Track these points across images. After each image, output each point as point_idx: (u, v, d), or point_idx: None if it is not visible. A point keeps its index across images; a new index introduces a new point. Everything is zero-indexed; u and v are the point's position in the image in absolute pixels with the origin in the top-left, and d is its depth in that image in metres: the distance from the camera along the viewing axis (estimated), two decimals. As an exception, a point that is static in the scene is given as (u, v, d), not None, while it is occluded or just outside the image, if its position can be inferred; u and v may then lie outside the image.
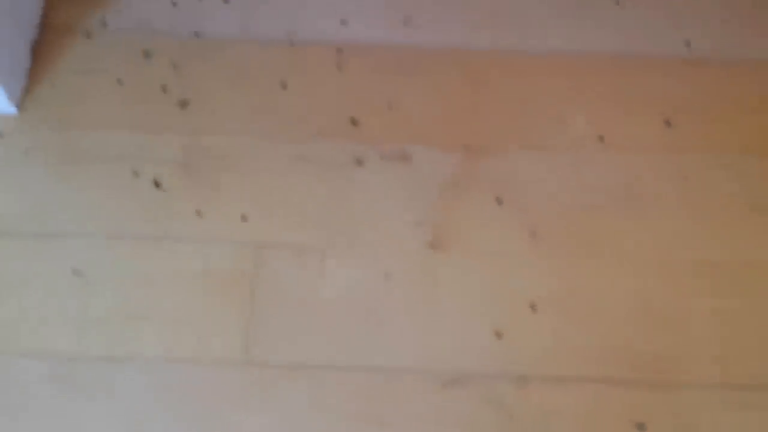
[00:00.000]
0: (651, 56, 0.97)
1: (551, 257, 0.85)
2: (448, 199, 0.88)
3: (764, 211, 0.87)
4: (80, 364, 0.78)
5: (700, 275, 0.84)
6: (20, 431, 0.76)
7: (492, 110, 0.93)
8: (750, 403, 0.78)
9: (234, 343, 0.80)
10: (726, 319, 0.82)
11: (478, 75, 0.95)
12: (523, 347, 0.80)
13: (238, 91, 0.93)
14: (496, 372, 0.79)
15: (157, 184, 0.87)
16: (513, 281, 0.83)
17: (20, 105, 0.90)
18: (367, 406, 0.78)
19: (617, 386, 0.79)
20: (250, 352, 0.79)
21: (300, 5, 0.98)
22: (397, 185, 0.89)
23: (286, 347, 0.80)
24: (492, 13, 0.99)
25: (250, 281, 0.83)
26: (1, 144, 0.88)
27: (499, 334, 0.81)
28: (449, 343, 0.81)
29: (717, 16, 0.99)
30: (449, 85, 0.94)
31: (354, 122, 0.91)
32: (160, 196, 0.86)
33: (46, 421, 0.76)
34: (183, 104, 0.91)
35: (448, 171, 0.90)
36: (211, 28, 0.96)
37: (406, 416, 0.77)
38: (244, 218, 0.86)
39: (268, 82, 0.94)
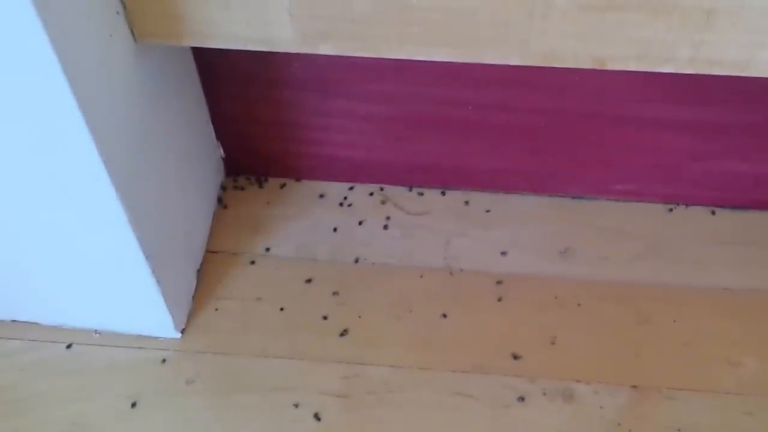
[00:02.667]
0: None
1: None
2: (616, 444, 0.84)
3: None
4: None
5: None
6: None
7: (658, 349, 0.90)
8: None
9: None
10: None
11: (641, 311, 0.93)
12: None
13: (398, 320, 0.92)
14: None
15: (317, 418, 0.85)
16: None
17: (184, 330, 0.90)
18: None
19: None
20: None
21: (459, 234, 0.98)
22: (562, 426, 0.85)
23: None
24: (654, 245, 0.98)
25: None
26: (165, 371, 0.88)
27: None
28: None
29: None
30: (612, 321, 0.92)
31: (515, 357, 0.89)
32: (321, 430, 0.84)
33: None
34: (343, 333, 0.90)
35: (614, 413, 0.86)
36: (371, 254, 0.97)
37: None
38: (405, 457, 0.83)
39: (428, 312, 0.93)
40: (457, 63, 0.73)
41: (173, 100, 0.85)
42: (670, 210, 1.01)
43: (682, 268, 0.96)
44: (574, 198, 1.01)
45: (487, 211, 1.01)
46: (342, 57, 0.87)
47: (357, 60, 0.86)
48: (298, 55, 0.87)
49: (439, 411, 0.86)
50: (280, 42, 0.73)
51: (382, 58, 0.72)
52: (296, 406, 0.86)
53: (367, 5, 0.67)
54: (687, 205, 1.01)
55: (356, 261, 0.96)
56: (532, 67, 0.72)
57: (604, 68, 0.69)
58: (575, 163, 0.99)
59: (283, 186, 1.02)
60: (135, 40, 0.73)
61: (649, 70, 0.69)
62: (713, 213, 1.01)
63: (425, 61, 0.73)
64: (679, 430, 0.85)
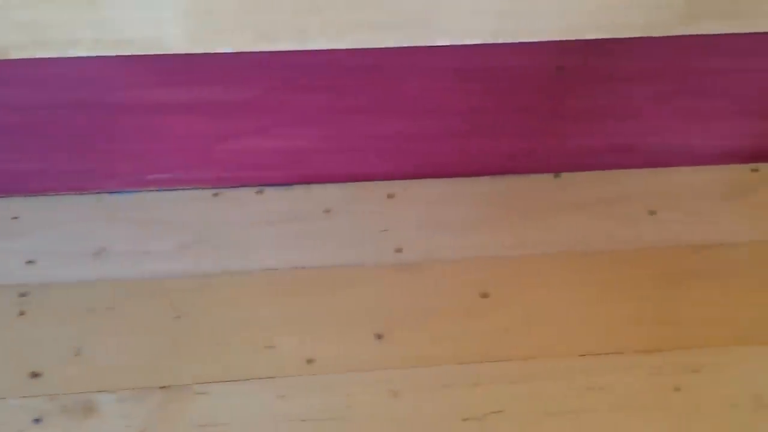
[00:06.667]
0: (362, 266, 0.92)
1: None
2: (141, 452, 0.80)
3: (476, 421, 0.82)
4: None
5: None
6: None
7: (195, 343, 0.86)
8: None
9: None
10: None
11: (179, 304, 0.89)
12: None
13: None
14: None
15: None
16: None
17: None
18: None
19: None
20: None
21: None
22: (84, 442, 0.79)
23: None
24: (199, 234, 0.94)
25: None
26: None
27: None
28: None
29: (427, 221, 0.96)
30: (146, 320, 0.88)
31: (34, 375, 0.83)
32: None
33: None
34: None
35: (141, 419, 0.81)
36: None
37: None
38: None
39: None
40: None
41: None
42: (216, 195, 0.97)
43: (225, 254, 0.93)
44: (111, 193, 0.96)
45: (15, 218, 0.93)
46: None
47: None
48: None
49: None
50: None
51: None
52: None
53: None
54: (233, 187, 0.98)
55: None
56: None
57: (9, 58, 0.63)
58: (107, 157, 0.94)
59: None
60: None
61: (52, 56, 0.63)
62: (260, 192, 0.98)
63: None
64: (209, 425, 0.81)
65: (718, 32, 0.67)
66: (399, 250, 0.94)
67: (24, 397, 0.82)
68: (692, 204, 1.00)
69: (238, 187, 0.98)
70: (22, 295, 0.88)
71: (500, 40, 0.64)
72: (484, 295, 0.91)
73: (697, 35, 0.72)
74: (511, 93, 0.90)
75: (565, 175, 1.01)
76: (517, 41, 0.66)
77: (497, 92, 0.90)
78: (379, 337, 0.87)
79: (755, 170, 1.04)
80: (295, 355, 0.86)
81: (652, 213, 0.98)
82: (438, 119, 0.92)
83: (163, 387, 0.83)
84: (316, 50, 0.77)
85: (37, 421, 0.80)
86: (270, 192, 0.98)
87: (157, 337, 0.87)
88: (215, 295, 0.90)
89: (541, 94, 0.90)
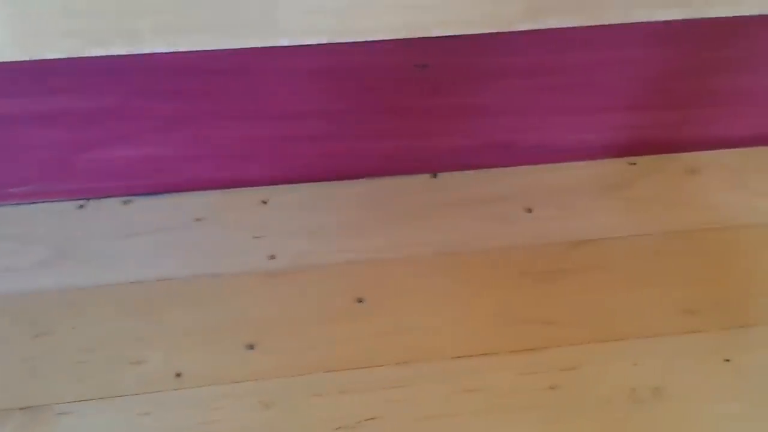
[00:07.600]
0: (235, 275, 0.90)
1: None
2: (-2, 479, 0.76)
3: (349, 429, 0.80)
4: None
5: None
6: None
7: (58, 361, 0.83)
8: None
9: None
10: None
11: (39, 322, 0.85)
12: None
13: None
14: None
15: None
16: None
17: None
18: None
19: None
20: None
21: None
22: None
23: None
24: (62, 248, 0.90)
25: None
26: None
27: None
28: None
29: (302, 227, 0.94)
30: (6, 340, 0.84)
31: None
32: None
33: None
34: None
35: (-1, 443, 0.77)
36: None
37: None
38: None
39: None
40: None
41: None
42: (81, 206, 0.93)
43: (90, 268, 0.90)
44: (-31, 209, 0.91)
45: None
46: None
47: None
48: None
49: None
50: None
51: None
52: None
53: None
54: (99, 198, 0.94)
55: None
56: None
57: None
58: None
59: None
60: None
61: None
62: (128, 203, 0.94)
63: None
64: (73, 447, 0.78)
65: (566, 26, 0.66)
66: (272, 257, 0.92)
67: None
68: (569, 200, 0.99)
69: (103, 197, 0.95)
70: None
71: (344, 39, 0.62)
72: (360, 300, 0.89)
73: (557, 29, 0.71)
74: (379, 93, 0.88)
75: (442, 175, 1.00)
76: (364, 39, 0.64)
77: (365, 92, 0.88)
78: (251, 347, 0.85)
79: (633, 164, 1.04)
80: (163, 370, 0.83)
81: (528, 211, 0.97)
82: (307, 122, 0.90)
83: (24, 408, 0.80)
84: (172, 53, 0.74)
85: None
86: (138, 202, 0.95)
87: (16, 356, 0.83)
88: (79, 311, 0.86)
89: (409, 93, 0.88)
